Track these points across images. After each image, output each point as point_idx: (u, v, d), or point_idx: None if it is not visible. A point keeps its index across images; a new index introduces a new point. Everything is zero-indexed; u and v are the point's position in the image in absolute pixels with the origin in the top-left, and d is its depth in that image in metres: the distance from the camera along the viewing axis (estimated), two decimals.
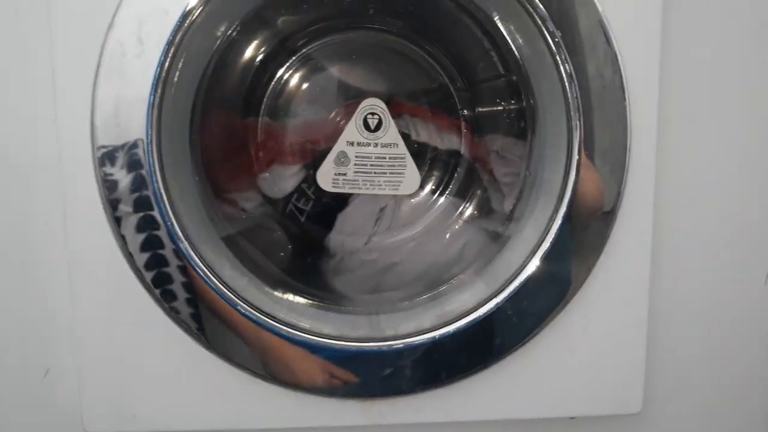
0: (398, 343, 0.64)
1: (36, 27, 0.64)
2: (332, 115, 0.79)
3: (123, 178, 0.61)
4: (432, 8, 0.76)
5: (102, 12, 0.60)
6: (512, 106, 0.78)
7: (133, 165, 0.61)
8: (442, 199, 0.83)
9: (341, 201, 0.81)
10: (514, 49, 0.70)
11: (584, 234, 0.66)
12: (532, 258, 0.64)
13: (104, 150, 0.61)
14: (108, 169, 0.61)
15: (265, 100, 0.79)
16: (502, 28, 0.68)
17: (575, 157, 0.63)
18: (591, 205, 0.65)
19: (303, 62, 0.80)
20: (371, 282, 0.79)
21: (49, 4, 0.60)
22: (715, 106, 0.71)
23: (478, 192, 0.82)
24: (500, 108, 0.81)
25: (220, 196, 0.76)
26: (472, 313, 0.64)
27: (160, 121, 0.61)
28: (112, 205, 0.62)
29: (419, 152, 0.80)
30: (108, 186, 0.62)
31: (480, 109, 0.82)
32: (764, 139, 0.72)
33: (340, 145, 0.76)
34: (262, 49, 0.78)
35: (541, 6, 0.62)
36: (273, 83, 0.79)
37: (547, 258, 0.64)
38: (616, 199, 0.65)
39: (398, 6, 0.77)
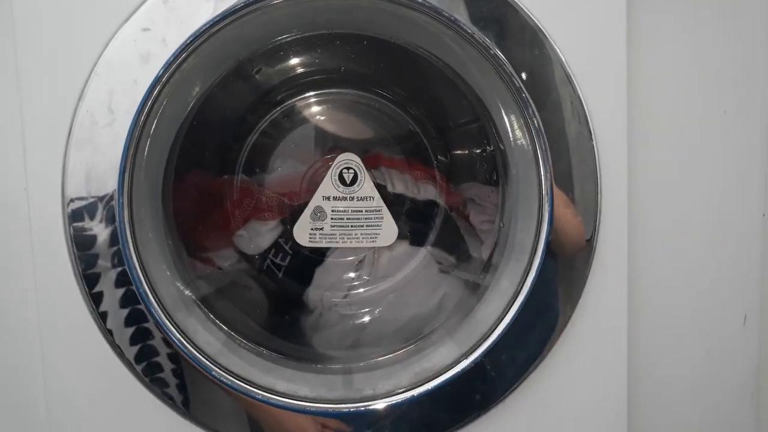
0: (377, 403, 0.64)
1: (5, 100, 0.64)
2: (308, 170, 0.80)
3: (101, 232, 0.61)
4: (404, 64, 0.77)
5: (72, 83, 0.61)
6: (485, 151, 0.79)
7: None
8: (420, 250, 0.83)
9: (319, 255, 0.81)
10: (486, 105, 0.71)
11: (560, 286, 0.66)
12: (508, 312, 0.64)
13: (79, 204, 0.61)
14: (86, 224, 0.61)
15: (241, 157, 0.79)
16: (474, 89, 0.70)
17: (546, 210, 0.63)
18: (569, 254, 0.65)
19: (279, 118, 0.81)
20: (351, 337, 0.79)
21: (19, 76, 0.61)
22: (687, 152, 0.72)
23: (456, 241, 0.82)
24: (474, 152, 0.82)
25: (195, 255, 0.76)
26: (450, 369, 0.64)
27: (132, 188, 0.61)
28: (85, 261, 0.62)
29: (396, 202, 0.81)
30: (82, 242, 0.61)
31: (455, 152, 0.83)
32: (737, 184, 0.73)
33: (316, 200, 0.76)
34: (239, 105, 0.79)
35: (509, 65, 0.63)
36: (248, 140, 0.79)
37: (523, 311, 0.64)
38: (590, 250, 0.66)
39: (368, 62, 0.79)
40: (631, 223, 0.68)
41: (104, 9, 0.61)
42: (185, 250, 0.72)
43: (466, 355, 0.64)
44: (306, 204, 0.76)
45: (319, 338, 0.78)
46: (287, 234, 0.79)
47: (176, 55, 0.60)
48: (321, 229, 0.77)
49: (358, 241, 0.77)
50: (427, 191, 0.82)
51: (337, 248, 0.80)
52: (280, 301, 0.81)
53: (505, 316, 0.64)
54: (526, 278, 0.64)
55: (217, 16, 0.60)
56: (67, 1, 0.60)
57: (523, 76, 0.64)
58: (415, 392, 0.63)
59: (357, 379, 0.67)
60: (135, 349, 0.63)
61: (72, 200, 0.61)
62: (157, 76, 0.60)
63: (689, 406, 0.75)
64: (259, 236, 0.80)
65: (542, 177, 0.63)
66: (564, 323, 0.66)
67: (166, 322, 0.61)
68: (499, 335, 0.64)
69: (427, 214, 0.83)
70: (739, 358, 0.75)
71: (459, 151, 0.84)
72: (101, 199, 0.61)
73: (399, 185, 0.81)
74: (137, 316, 0.62)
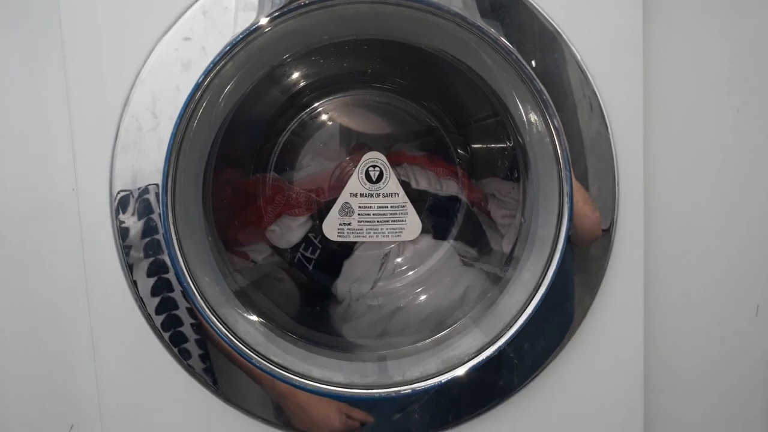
0: (406, 389, 0.68)
1: (55, 111, 0.68)
2: (335, 168, 0.83)
3: (136, 229, 0.65)
4: (426, 64, 0.80)
5: (118, 90, 0.64)
6: (505, 147, 0.82)
7: (150, 231, 0.65)
8: (443, 243, 0.86)
9: (347, 248, 0.85)
10: (506, 103, 0.74)
11: (580, 278, 0.69)
12: (530, 302, 0.68)
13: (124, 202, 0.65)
14: (123, 217, 0.66)
15: (272, 156, 0.83)
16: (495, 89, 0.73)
17: (566, 207, 0.66)
18: (586, 243, 0.68)
19: (309, 119, 0.84)
20: (378, 327, 0.82)
21: (68, 84, 0.65)
22: (701, 148, 0.75)
23: (478, 234, 0.86)
24: (493, 147, 0.85)
25: (231, 250, 0.80)
26: (475, 357, 0.67)
27: (174, 188, 0.65)
28: (127, 264, 0.66)
29: (419, 198, 0.84)
30: (125, 246, 0.66)
31: (475, 146, 0.87)
32: (750, 178, 0.76)
33: (344, 197, 0.80)
34: (271, 107, 0.83)
35: (528, 67, 0.66)
36: (279, 140, 0.83)
37: (544, 302, 0.67)
38: (608, 243, 0.69)
39: (393, 64, 0.82)
40: (647, 217, 0.71)
41: (147, 20, 0.64)
42: (224, 246, 0.76)
43: (490, 344, 0.67)
44: (334, 200, 0.80)
45: (348, 328, 0.82)
46: (317, 229, 0.83)
47: (215, 63, 0.64)
48: (349, 224, 0.80)
49: (384, 236, 0.81)
50: (449, 187, 0.86)
51: (364, 243, 0.84)
52: (311, 293, 0.85)
53: (527, 306, 0.68)
54: (547, 271, 0.68)
55: (252, 25, 0.64)
56: (111, 14, 0.64)
57: (543, 78, 0.66)
58: (443, 378, 0.67)
59: (390, 366, 0.71)
60: (167, 335, 0.67)
61: (118, 198, 0.65)
62: (197, 82, 0.64)
63: (703, 392, 0.78)
64: (290, 231, 0.84)
65: (563, 176, 0.67)
66: (583, 313, 0.69)
67: (211, 315, 0.65)
68: (522, 324, 0.67)
69: (449, 209, 0.87)
70: (752, 345, 0.78)
71: (479, 145, 0.87)
72: (133, 193, 0.65)
73: (422, 181, 0.84)
74: (168, 304, 0.66)
